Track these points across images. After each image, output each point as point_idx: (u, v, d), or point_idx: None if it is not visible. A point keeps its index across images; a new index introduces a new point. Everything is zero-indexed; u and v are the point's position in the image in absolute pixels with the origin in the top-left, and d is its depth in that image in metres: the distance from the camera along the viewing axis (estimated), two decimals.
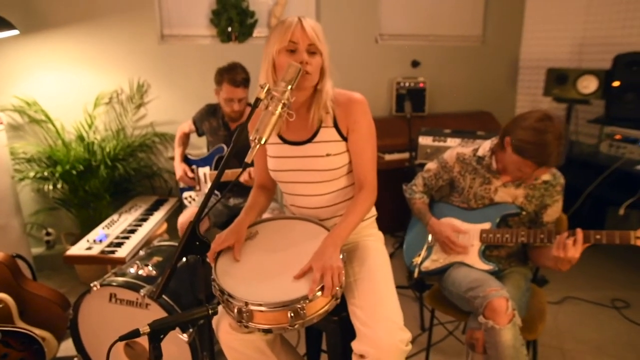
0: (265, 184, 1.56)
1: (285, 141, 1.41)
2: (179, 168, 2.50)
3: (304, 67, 1.23)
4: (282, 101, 1.14)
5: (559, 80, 3.12)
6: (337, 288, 1.16)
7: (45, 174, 2.67)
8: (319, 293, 1.13)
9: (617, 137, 2.88)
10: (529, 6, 3.88)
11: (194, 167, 2.51)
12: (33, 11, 2.69)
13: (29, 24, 2.66)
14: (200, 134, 2.61)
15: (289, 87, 1.16)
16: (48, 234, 2.99)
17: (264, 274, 1.22)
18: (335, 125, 1.36)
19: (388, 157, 3.11)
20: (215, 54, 3.00)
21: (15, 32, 2.38)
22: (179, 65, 3.06)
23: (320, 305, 1.15)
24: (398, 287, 2.49)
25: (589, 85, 3.02)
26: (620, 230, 1.43)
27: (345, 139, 1.37)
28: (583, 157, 3.05)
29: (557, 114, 1.54)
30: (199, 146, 2.93)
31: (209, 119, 2.51)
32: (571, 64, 3.54)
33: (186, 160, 2.55)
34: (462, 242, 1.71)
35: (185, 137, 2.63)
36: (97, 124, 2.92)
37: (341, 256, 1.22)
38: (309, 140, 1.38)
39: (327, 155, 1.36)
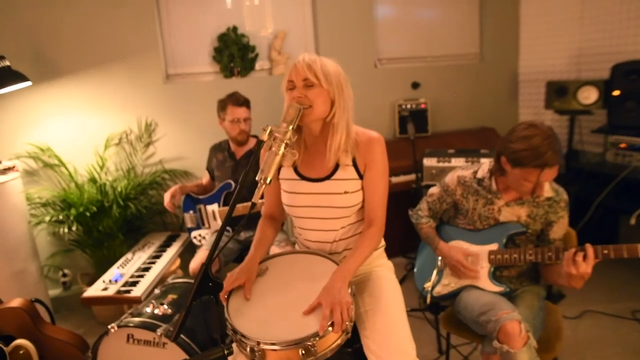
0: (274, 215, 1.59)
1: (302, 177, 1.44)
2: (171, 189, 2.47)
3: (301, 100, 1.29)
4: (285, 141, 1.19)
5: (559, 92, 3.15)
6: (347, 323, 1.17)
7: (60, 217, 2.74)
8: (330, 329, 1.14)
9: (622, 145, 2.89)
10: (524, 20, 3.94)
11: (201, 205, 2.56)
12: (43, 61, 2.80)
13: (40, 73, 2.77)
14: (213, 178, 2.67)
15: (290, 127, 1.21)
16: (64, 275, 3.04)
17: (275, 311, 1.24)
18: (354, 164, 1.39)
19: (395, 179, 3.14)
20: (219, 89, 3.06)
21: (28, 83, 2.49)
22: (185, 102, 3.15)
23: (332, 340, 1.16)
24: (412, 310, 2.50)
25: (589, 95, 3.05)
26: (627, 244, 1.43)
27: (361, 177, 1.40)
28: (590, 167, 3.05)
29: (543, 121, 1.57)
30: None
31: (216, 155, 2.59)
32: (570, 75, 3.58)
33: (194, 199, 2.58)
34: (472, 266, 1.72)
35: (200, 185, 2.68)
36: (108, 164, 3.00)
37: (350, 290, 1.24)
38: (328, 177, 1.40)
39: (345, 192, 1.39)
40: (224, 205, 2.50)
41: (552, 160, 1.48)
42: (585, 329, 2.43)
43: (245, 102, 2.44)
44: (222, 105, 2.44)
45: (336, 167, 1.39)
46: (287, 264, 1.43)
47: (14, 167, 2.54)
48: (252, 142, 2.54)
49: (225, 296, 1.29)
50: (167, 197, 2.45)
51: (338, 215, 1.42)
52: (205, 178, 2.70)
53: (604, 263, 1.47)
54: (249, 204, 1.17)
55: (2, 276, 2.39)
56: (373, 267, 1.50)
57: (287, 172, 1.46)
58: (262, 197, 1.22)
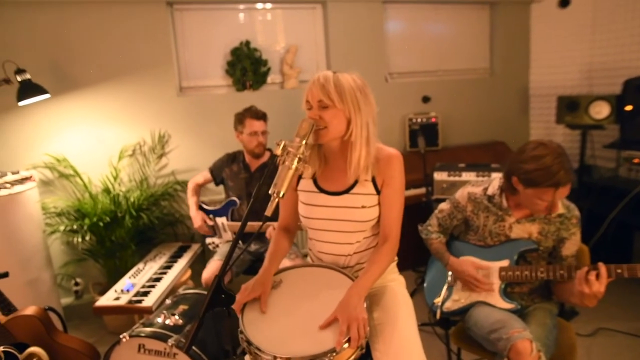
0: (289, 227, 1.60)
1: (321, 190, 1.45)
2: (197, 217, 2.54)
3: (317, 122, 1.31)
4: (298, 156, 1.21)
5: (570, 107, 3.14)
6: (363, 339, 1.17)
7: (74, 226, 2.78)
8: (346, 345, 1.14)
9: (635, 160, 2.87)
10: (534, 35, 3.95)
11: (211, 216, 2.58)
12: (61, 74, 2.87)
13: (58, 86, 2.84)
14: (217, 183, 2.71)
15: (304, 141, 1.23)
16: (76, 284, 3.07)
17: (290, 325, 1.24)
18: (373, 180, 1.40)
19: (405, 193, 3.13)
20: (231, 102, 3.13)
21: (47, 96, 2.56)
22: (198, 114, 3.20)
23: (347, 356, 1.16)
24: (422, 324, 2.47)
25: (601, 110, 3.03)
26: None
27: (379, 192, 1.41)
28: (603, 182, 3.02)
29: (552, 138, 1.58)
30: (218, 192, 3.01)
31: (230, 165, 2.62)
32: (581, 89, 3.57)
33: (202, 210, 2.61)
34: (484, 279, 1.71)
35: (198, 188, 2.72)
36: (122, 175, 3.05)
37: (365, 305, 1.24)
38: (346, 191, 1.41)
39: (362, 207, 1.40)
40: (232, 219, 2.53)
41: (565, 179, 1.48)
42: (600, 347, 2.39)
43: (263, 116, 2.51)
44: (240, 118, 2.49)
45: (355, 181, 1.40)
46: (301, 277, 1.44)
47: (30, 177, 2.60)
48: (267, 155, 2.58)
49: (240, 308, 1.30)
50: (202, 228, 2.51)
51: (354, 229, 1.42)
52: (202, 176, 2.73)
53: (619, 280, 1.45)
54: (258, 223, 1.19)
55: (17, 284, 2.42)
56: (386, 281, 1.50)
57: (307, 184, 1.47)
58: (265, 226, 1.24)
